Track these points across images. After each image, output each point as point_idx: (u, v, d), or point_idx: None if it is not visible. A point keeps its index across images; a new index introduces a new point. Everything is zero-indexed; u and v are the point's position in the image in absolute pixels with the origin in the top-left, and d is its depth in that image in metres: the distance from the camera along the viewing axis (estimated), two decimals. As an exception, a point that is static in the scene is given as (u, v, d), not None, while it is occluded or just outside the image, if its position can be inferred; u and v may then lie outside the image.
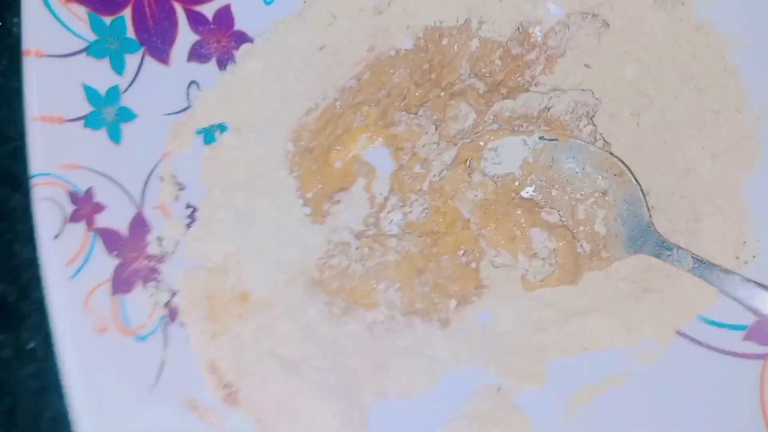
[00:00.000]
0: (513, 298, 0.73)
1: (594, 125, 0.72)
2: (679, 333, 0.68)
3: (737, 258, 0.68)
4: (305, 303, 0.74)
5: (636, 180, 0.69)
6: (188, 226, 0.72)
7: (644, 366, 0.68)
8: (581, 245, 0.71)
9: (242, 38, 0.75)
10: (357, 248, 0.74)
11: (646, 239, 0.68)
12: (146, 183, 0.71)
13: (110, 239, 0.68)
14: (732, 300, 0.65)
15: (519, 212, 0.71)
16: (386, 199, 0.76)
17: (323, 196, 0.76)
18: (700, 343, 0.67)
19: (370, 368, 0.71)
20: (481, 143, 0.73)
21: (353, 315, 0.74)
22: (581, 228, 0.71)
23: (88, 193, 0.68)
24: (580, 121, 0.72)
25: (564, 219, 0.71)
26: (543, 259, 0.70)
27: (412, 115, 0.76)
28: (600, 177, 0.71)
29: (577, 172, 0.71)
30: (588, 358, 0.69)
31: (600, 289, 0.72)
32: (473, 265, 0.74)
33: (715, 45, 0.70)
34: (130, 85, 0.71)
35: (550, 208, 0.72)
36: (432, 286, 0.74)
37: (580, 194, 0.71)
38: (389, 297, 0.74)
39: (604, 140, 0.72)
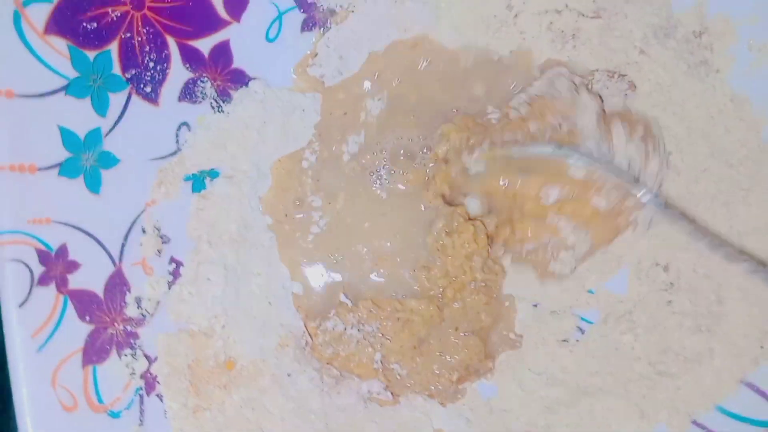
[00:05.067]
0: (519, 372, 0.68)
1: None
2: (695, 423, 0.65)
3: (762, 347, 0.64)
4: (296, 371, 0.68)
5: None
6: (170, 284, 0.66)
7: (657, 457, 0.64)
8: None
9: (240, 77, 0.68)
10: (354, 312, 0.69)
11: None
12: (126, 236, 0.64)
13: (84, 302, 0.61)
14: (754, 392, 0.61)
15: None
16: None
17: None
18: (718, 437, 0.64)
19: (363, 450, 0.65)
20: None
21: (347, 385, 0.68)
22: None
23: (61, 250, 0.60)
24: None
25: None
26: (572, 249, 0.65)
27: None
28: None
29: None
30: (598, 445, 0.65)
31: (612, 368, 0.67)
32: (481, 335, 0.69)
33: (749, 119, 0.66)
34: (113, 127, 0.63)
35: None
36: (433, 357, 0.69)
37: None
38: (386, 367, 0.68)
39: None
